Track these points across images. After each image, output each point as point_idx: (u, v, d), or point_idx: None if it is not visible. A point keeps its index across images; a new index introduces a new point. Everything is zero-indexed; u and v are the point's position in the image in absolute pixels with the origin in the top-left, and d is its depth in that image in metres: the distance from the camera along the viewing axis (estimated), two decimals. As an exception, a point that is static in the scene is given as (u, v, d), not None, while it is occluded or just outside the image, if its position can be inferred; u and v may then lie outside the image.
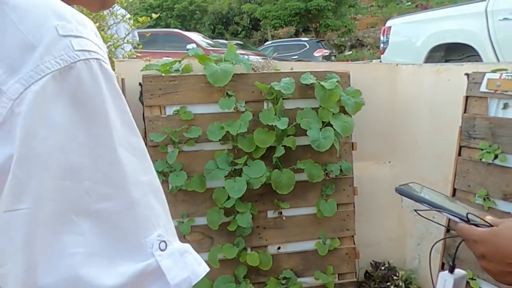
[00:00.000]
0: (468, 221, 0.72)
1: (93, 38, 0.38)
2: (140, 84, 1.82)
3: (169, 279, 0.37)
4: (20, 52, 0.33)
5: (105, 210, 0.36)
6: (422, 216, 0.81)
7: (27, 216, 0.33)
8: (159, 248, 0.38)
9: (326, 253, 1.98)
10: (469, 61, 4.35)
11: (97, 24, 3.16)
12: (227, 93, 1.85)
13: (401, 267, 2.29)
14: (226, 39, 16.43)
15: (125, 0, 3.44)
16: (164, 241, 0.38)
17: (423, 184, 0.86)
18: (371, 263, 2.28)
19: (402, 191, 0.81)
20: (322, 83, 1.86)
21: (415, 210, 0.81)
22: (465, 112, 1.74)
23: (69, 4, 0.43)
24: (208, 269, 0.42)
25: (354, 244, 2.06)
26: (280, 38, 17.16)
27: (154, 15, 3.59)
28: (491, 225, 0.70)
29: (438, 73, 2.03)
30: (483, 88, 1.65)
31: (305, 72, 1.93)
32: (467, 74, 1.72)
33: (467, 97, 1.73)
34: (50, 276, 0.33)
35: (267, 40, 16.93)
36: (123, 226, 0.36)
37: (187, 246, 0.41)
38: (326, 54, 12.57)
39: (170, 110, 1.83)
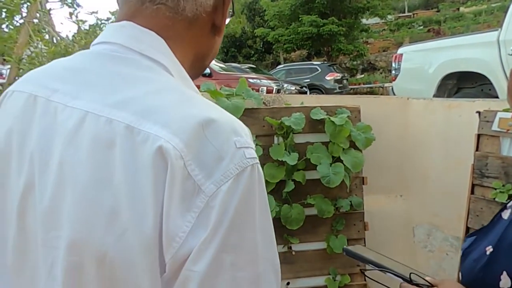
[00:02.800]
0: (410, 281, 0.75)
1: (252, 144, 0.50)
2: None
3: None
4: (214, 162, 0.46)
5: (241, 277, 0.47)
6: (370, 278, 0.85)
7: (198, 276, 0.45)
8: None
9: (336, 289, 1.94)
10: (482, 90, 4.33)
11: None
12: (238, 127, 1.88)
13: (414, 305, 2.23)
14: (239, 62, 16.69)
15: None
16: None
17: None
18: (382, 300, 2.22)
19: (349, 252, 0.85)
20: (332, 118, 1.87)
21: (361, 271, 0.87)
22: (477, 150, 1.72)
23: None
24: None
25: (365, 280, 2.02)
26: (292, 61, 17.33)
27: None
28: (431, 285, 0.75)
29: (450, 108, 2.03)
30: (495, 127, 1.64)
31: (315, 107, 1.94)
32: (478, 112, 1.72)
33: (479, 135, 1.71)
34: None
35: (279, 63, 17.11)
36: None
37: None
38: (338, 77, 12.60)
39: (181, 144, 1.86)
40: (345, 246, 0.88)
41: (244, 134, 0.49)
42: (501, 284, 0.67)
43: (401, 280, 0.77)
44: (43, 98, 0.52)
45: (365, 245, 2.01)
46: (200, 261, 0.45)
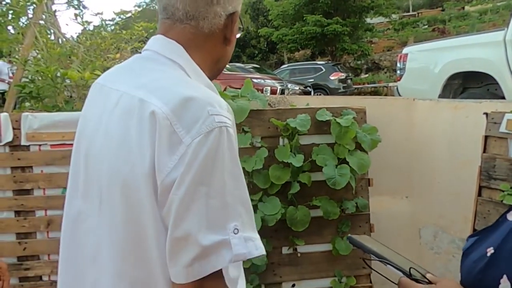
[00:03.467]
0: (410, 275, 0.75)
1: (225, 113, 0.70)
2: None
3: (233, 250, 0.66)
4: (192, 123, 0.67)
5: (211, 204, 0.66)
6: (370, 268, 0.89)
7: (179, 198, 0.66)
8: (233, 232, 0.67)
9: (341, 291, 1.94)
10: (488, 90, 4.30)
11: (118, 55, 3.27)
12: (243, 129, 1.87)
13: (420, 307, 2.22)
14: (243, 62, 16.68)
15: (145, 31, 3.55)
16: (237, 229, 0.67)
17: (380, 243, 0.89)
18: (388, 301, 2.21)
19: (353, 241, 0.86)
20: (338, 120, 1.86)
21: (363, 259, 0.89)
22: (484, 151, 1.71)
23: (212, 79, 0.84)
24: (264, 253, 0.70)
25: (371, 282, 2.01)
26: (296, 61, 17.28)
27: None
28: (430, 282, 0.74)
29: (456, 109, 2.01)
30: (502, 128, 1.62)
31: (321, 108, 1.94)
32: (486, 114, 1.70)
33: (486, 137, 1.70)
34: (178, 226, 0.66)
35: (283, 63, 17.08)
36: (217, 214, 0.67)
37: (253, 236, 0.69)
38: (342, 77, 12.55)
39: (187, 146, 1.86)
40: (349, 235, 0.88)
41: (218, 106, 0.70)
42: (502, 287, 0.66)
43: (401, 274, 0.77)
44: (106, 87, 0.80)
45: (370, 247, 2.00)
46: (180, 188, 0.66)
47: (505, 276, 0.64)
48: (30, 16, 3.42)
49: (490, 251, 0.71)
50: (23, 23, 3.53)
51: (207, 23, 0.78)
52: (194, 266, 0.66)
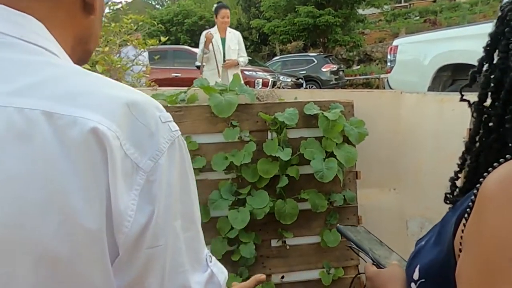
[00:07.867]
0: (373, 261, 0.82)
1: (171, 117, 0.53)
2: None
3: (220, 280, 0.55)
4: (146, 139, 0.48)
5: (188, 237, 0.52)
6: (357, 254, 0.98)
7: (162, 250, 0.48)
8: (209, 261, 0.55)
9: (330, 282, 1.97)
10: (477, 81, 4.33)
11: (107, 48, 3.24)
12: (231, 123, 1.88)
13: (407, 296, 2.26)
14: (235, 54, 16.57)
15: (134, 24, 3.52)
16: (210, 256, 0.56)
17: (371, 231, 0.95)
18: (376, 292, 2.25)
19: (340, 230, 0.91)
20: (325, 113, 1.88)
21: (348, 246, 0.94)
22: (469, 144, 1.73)
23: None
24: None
25: (359, 273, 2.04)
26: (288, 53, 17.23)
27: (162, 38, 3.67)
28: (383, 267, 0.79)
29: (442, 102, 2.04)
30: (486, 121, 1.64)
31: (308, 102, 1.95)
32: (470, 105, 1.72)
33: (471, 129, 1.72)
34: (171, 284, 0.50)
35: (275, 55, 17.02)
36: (195, 248, 0.53)
37: (212, 255, 0.58)
38: (334, 69, 12.56)
39: (175, 140, 1.86)
40: (338, 225, 0.96)
41: (163, 109, 0.52)
42: (414, 276, 0.67)
43: (371, 261, 0.83)
44: None
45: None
46: (161, 238, 0.48)
47: (418, 265, 0.67)
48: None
49: (422, 242, 0.73)
50: None
51: None
52: None
